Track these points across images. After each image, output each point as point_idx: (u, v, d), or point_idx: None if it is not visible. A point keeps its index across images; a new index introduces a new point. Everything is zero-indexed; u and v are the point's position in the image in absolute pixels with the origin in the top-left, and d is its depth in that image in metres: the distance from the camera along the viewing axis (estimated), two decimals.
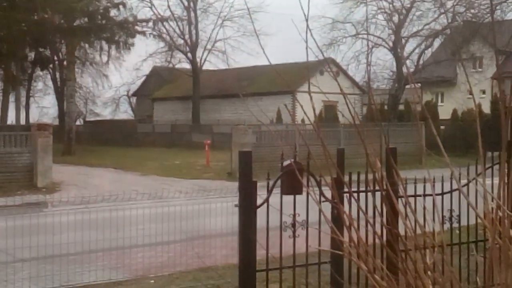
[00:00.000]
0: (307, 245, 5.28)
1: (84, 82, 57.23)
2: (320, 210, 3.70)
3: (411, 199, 5.20)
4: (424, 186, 5.84)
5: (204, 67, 51.30)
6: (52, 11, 36.19)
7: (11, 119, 43.03)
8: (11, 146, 20.83)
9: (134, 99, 66.66)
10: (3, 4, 34.47)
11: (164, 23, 47.84)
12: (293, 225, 5.27)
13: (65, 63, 44.08)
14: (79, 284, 8.44)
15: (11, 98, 42.96)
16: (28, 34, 38.36)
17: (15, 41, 36.92)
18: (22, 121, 45.74)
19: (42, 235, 8.63)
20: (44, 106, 62.79)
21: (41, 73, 54.07)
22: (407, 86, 41.96)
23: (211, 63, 52.87)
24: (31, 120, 49.94)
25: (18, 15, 33.64)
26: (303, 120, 31.55)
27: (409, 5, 43.10)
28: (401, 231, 3.35)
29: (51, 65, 51.39)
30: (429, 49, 45.70)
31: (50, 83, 55.52)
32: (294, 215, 5.26)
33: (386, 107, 41.04)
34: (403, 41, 43.98)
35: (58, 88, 52.30)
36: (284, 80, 37.41)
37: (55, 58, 50.30)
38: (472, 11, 41.76)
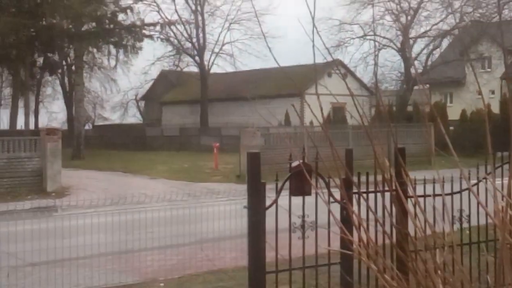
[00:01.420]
0: (317, 246, 5.27)
1: (93, 87, 57.49)
2: (329, 211, 3.69)
3: (421, 199, 5.19)
4: (434, 186, 5.82)
5: (212, 70, 51.44)
6: (60, 16, 36.33)
7: (20, 124, 43.17)
8: (21, 151, 20.90)
9: (142, 103, 66.79)
10: (11, 9, 34.62)
11: (172, 26, 47.93)
12: (302, 226, 5.26)
13: (73, 68, 44.24)
14: (89, 287, 8.45)
15: (20, 104, 43.09)
16: (37, 39, 38.51)
17: (23, 47, 37.08)
18: (31, 126, 45.83)
19: (52, 239, 8.65)
20: (53, 111, 63.13)
21: (49, 78, 54.26)
22: (416, 87, 41.87)
23: (219, 66, 53.17)
24: (40, 125, 50.10)
25: (27, 21, 33.77)
26: (311, 122, 31.57)
27: (416, 6, 43.03)
28: (411, 231, 3.33)
29: (59, 70, 51.54)
30: (437, 50, 45.64)
31: (58, 88, 55.74)
32: (303, 216, 5.26)
33: (394, 108, 40.95)
34: (411, 42, 43.91)
35: (66, 93, 52.46)
36: (293, 82, 37.40)
37: (64, 63, 50.44)
38: (480, 10, 41.65)
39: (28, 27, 35.25)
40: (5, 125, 49.91)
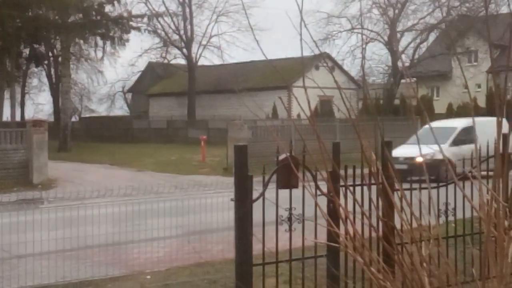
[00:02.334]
0: (303, 239, 5.29)
1: (79, 79, 57.12)
2: (316, 204, 3.71)
3: (407, 193, 5.22)
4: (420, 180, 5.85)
5: (199, 63, 51.27)
6: (46, 7, 36.08)
7: (6, 115, 42.90)
8: (7, 143, 20.78)
9: (129, 95, 66.54)
10: None
11: (159, 18, 47.73)
12: (289, 219, 5.28)
13: (60, 59, 43.93)
14: (75, 280, 8.43)
15: (6, 95, 42.81)
16: (23, 31, 38.18)
17: (9, 38, 36.77)
18: (18, 118, 45.58)
19: (38, 231, 8.62)
20: (39, 103, 62.75)
21: (36, 69, 53.87)
22: (403, 81, 42.03)
23: (207, 58, 52.88)
24: (26, 117, 49.80)
25: (13, 11, 33.49)
26: (299, 115, 31.60)
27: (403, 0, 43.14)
28: (397, 224, 3.36)
29: (46, 62, 51.19)
30: (424, 43, 45.82)
31: (45, 79, 55.33)
32: (290, 209, 5.27)
33: (381, 101, 41.08)
34: (398, 35, 44.03)
35: (53, 84, 52.11)
36: (280, 75, 37.38)
37: (50, 54, 50.09)
38: (467, 5, 41.85)
39: (14, 18, 34.95)
40: None
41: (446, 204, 6.23)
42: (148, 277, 8.54)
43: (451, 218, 6.33)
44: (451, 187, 6.08)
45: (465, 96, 36.71)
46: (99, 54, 44.08)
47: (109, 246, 9.82)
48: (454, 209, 6.27)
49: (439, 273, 3.07)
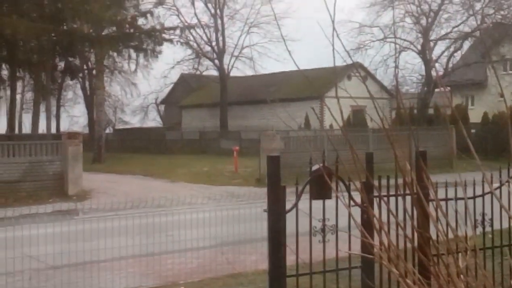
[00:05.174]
0: (337, 250, 5.24)
1: (113, 91, 57.96)
2: (349, 214, 3.67)
3: (443, 203, 5.14)
4: (456, 190, 5.77)
5: (231, 74, 51.47)
6: (81, 21, 36.62)
7: (42, 128, 43.54)
8: (42, 155, 21.08)
9: (162, 107, 67.12)
10: (33, 14, 34.96)
11: (191, 30, 48.09)
12: (323, 230, 5.24)
13: (94, 72, 44.53)
14: None
15: (42, 108, 43.46)
16: (58, 44, 38.85)
17: (45, 51, 37.42)
18: (53, 130, 46.23)
19: (73, 242, 8.71)
20: (74, 115, 63.62)
21: (71, 82, 54.73)
22: (437, 90, 41.58)
23: (239, 69, 53.06)
24: (62, 129, 50.58)
25: (48, 25, 34.06)
26: (331, 125, 31.48)
27: (437, 8, 42.76)
28: (433, 235, 3.30)
29: (80, 74, 51.98)
30: (459, 52, 45.26)
31: (79, 92, 56.25)
32: (324, 220, 5.23)
33: (415, 111, 40.70)
34: (432, 44, 43.63)
35: (87, 97, 52.88)
36: (312, 85, 37.33)
37: (85, 67, 50.87)
38: (502, 12, 41.29)
39: (49, 32, 35.55)
40: (27, 129, 50.42)
41: (483, 214, 6.12)
42: (182, 287, 8.56)
43: (488, 228, 6.22)
44: (487, 197, 5.98)
45: (500, 105, 36.07)
46: (132, 66, 44.60)
47: (143, 256, 9.88)
48: (491, 219, 6.16)
49: (476, 285, 3.01)
